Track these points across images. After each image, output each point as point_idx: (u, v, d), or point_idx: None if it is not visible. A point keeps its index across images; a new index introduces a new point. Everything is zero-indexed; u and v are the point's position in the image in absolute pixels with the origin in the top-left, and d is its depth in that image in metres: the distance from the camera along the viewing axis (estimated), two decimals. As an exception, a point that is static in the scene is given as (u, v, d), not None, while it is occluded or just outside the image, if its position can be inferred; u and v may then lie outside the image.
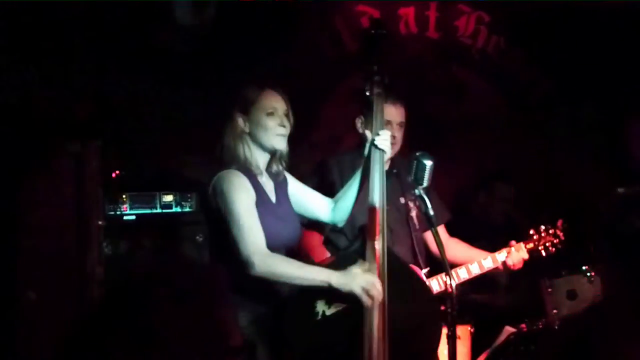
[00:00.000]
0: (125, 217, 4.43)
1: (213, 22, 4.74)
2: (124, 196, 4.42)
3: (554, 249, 4.15)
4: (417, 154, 3.29)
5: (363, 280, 2.94)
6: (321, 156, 4.27)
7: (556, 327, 4.12)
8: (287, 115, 3.17)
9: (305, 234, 3.53)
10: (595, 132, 5.42)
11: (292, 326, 3.02)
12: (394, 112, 3.84)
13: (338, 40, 5.38)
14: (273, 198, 3.20)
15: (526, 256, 4.06)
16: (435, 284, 3.88)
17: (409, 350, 3.07)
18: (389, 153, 3.22)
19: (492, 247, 4.13)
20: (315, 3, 5.26)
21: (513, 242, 4.08)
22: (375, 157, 3.15)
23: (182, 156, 4.74)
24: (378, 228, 3.04)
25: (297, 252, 3.56)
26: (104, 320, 1.68)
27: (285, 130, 3.15)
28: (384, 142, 3.15)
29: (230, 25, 4.89)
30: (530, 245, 4.11)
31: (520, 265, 4.05)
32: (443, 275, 3.81)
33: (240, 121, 3.14)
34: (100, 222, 4.19)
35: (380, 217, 3.06)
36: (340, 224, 3.42)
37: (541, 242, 4.14)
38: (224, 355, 1.70)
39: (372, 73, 3.20)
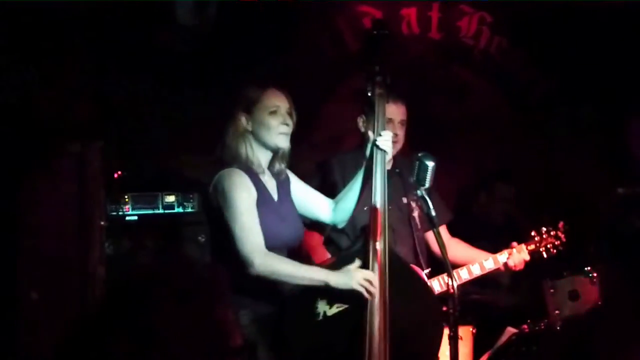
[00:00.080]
0: (127, 218, 4.43)
1: (214, 21, 4.74)
2: (126, 197, 4.42)
3: (555, 251, 4.16)
4: (419, 154, 3.29)
5: (360, 277, 2.95)
6: (322, 156, 4.27)
7: (558, 328, 4.12)
8: (289, 114, 3.17)
9: (305, 234, 3.53)
10: (596, 132, 5.42)
11: (292, 326, 3.02)
12: (395, 110, 3.84)
13: (340, 41, 5.38)
14: (275, 196, 3.20)
15: (527, 257, 4.06)
16: (437, 285, 3.88)
17: (410, 351, 3.07)
18: (390, 153, 3.23)
19: (493, 247, 4.13)
20: (317, 3, 5.25)
21: (514, 244, 4.08)
22: (377, 157, 3.15)
23: (184, 156, 4.74)
24: (380, 228, 3.05)
25: (298, 252, 3.56)
26: (106, 320, 1.68)
27: (288, 129, 3.16)
28: (386, 142, 3.15)
29: (231, 25, 4.89)
30: (532, 246, 4.11)
31: (521, 267, 4.05)
32: (444, 275, 3.80)
33: (242, 120, 3.14)
34: (102, 223, 4.20)
35: (382, 218, 3.06)
36: (341, 225, 3.42)
37: (542, 244, 4.14)
38: (225, 356, 1.70)
39: (374, 73, 3.20)
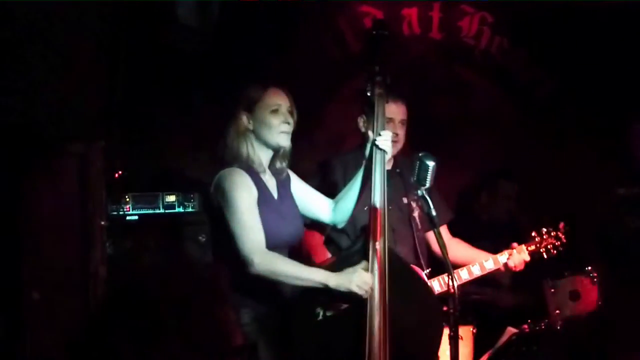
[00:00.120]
0: (128, 218, 4.43)
1: (216, 21, 4.74)
2: (126, 196, 4.42)
3: (555, 252, 4.16)
4: (420, 154, 3.29)
5: (360, 280, 2.96)
6: (323, 156, 4.28)
7: (559, 328, 4.12)
8: (290, 112, 3.18)
9: (306, 233, 3.53)
10: (597, 132, 5.41)
11: (293, 326, 3.02)
12: (395, 110, 3.84)
13: (341, 41, 5.38)
14: (275, 195, 3.20)
15: (527, 258, 4.06)
16: (437, 285, 3.88)
17: (410, 351, 3.07)
18: (390, 153, 3.23)
19: (493, 247, 4.13)
20: (319, 3, 5.26)
21: (515, 244, 4.08)
22: (377, 157, 3.15)
23: (185, 156, 4.74)
24: (380, 229, 3.05)
25: (299, 251, 3.57)
26: (107, 320, 1.68)
27: (289, 127, 3.16)
28: (385, 142, 3.16)
29: (233, 25, 4.89)
30: (532, 247, 4.12)
31: (521, 267, 4.05)
32: (444, 276, 3.80)
33: (244, 119, 3.15)
34: (103, 223, 4.19)
35: (381, 218, 3.07)
36: (341, 225, 3.43)
37: (543, 245, 4.14)
38: (225, 356, 1.70)
39: (374, 73, 3.21)
